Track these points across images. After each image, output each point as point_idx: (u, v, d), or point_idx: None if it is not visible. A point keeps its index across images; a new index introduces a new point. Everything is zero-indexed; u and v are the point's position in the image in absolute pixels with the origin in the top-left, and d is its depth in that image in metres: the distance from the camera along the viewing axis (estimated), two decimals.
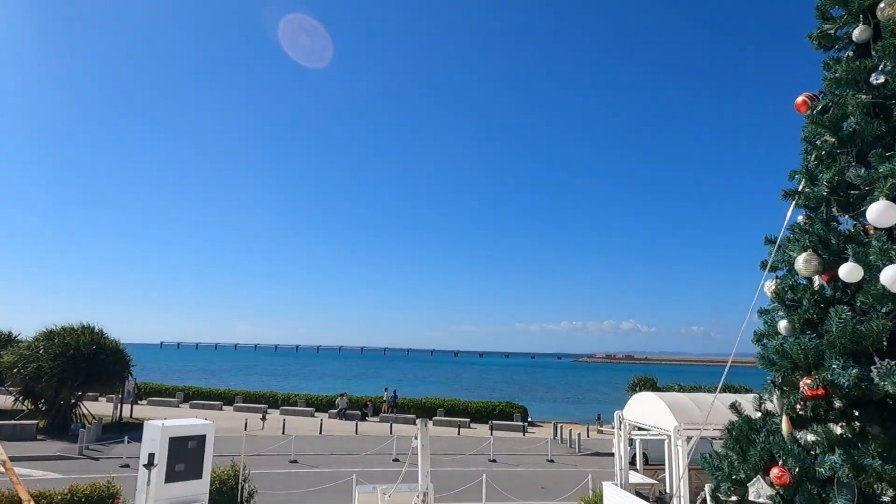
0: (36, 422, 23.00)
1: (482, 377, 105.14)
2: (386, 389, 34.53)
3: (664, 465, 18.43)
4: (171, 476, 11.23)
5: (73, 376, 23.12)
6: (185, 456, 11.43)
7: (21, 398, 25.47)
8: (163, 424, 11.17)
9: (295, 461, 19.85)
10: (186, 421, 12.17)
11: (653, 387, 30.83)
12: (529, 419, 32.45)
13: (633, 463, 16.35)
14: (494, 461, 21.33)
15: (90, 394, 33.75)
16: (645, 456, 21.62)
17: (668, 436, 13.44)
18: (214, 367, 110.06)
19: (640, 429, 14.39)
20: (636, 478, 14.42)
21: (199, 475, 11.63)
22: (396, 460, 20.73)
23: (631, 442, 21.92)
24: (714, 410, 12.19)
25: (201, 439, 11.72)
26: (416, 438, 8.73)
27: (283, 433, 24.95)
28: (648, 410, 12.80)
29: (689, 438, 11.31)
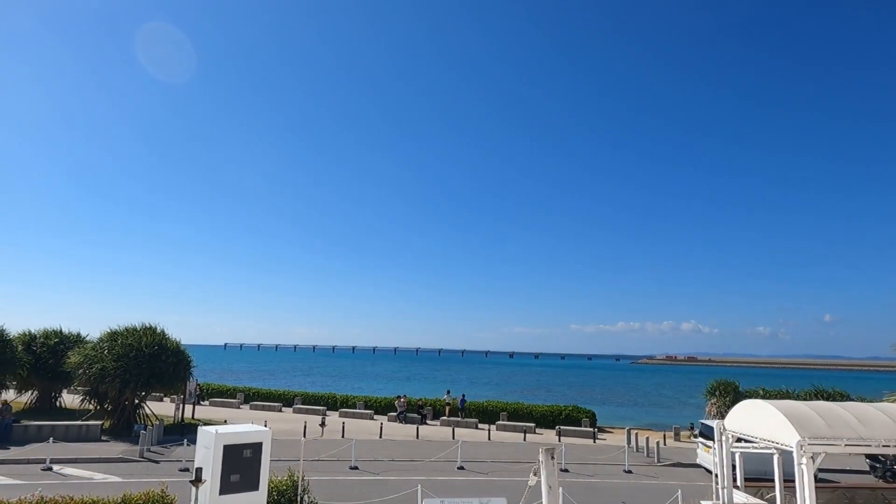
0: (101, 422, 23.07)
1: (539, 379, 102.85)
2: (448, 392, 33.37)
3: (767, 481, 16.42)
4: (225, 487, 10.34)
5: (135, 377, 23.10)
6: (240, 465, 10.54)
7: (88, 398, 25.77)
8: (216, 431, 10.31)
9: (355, 468, 18.94)
10: (242, 427, 11.30)
11: (735, 391, 28.46)
12: (598, 425, 30.57)
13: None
14: (566, 471, 19.77)
15: (155, 394, 34.29)
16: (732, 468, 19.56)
17: (779, 450, 11.67)
18: (275, 367, 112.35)
19: (741, 440, 12.57)
20: (740, 497, 12.63)
21: (255, 486, 10.72)
22: (461, 468, 19.49)
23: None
24: (843, 422, 10.41)
25: (257, 447, 10.81)
26: (535, 475, 6.75)
27: (343, 437, 24.21)
28: (760, 421, 11.04)
29: (814, 455, 9.56)
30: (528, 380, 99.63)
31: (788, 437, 9.82)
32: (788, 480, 17.95)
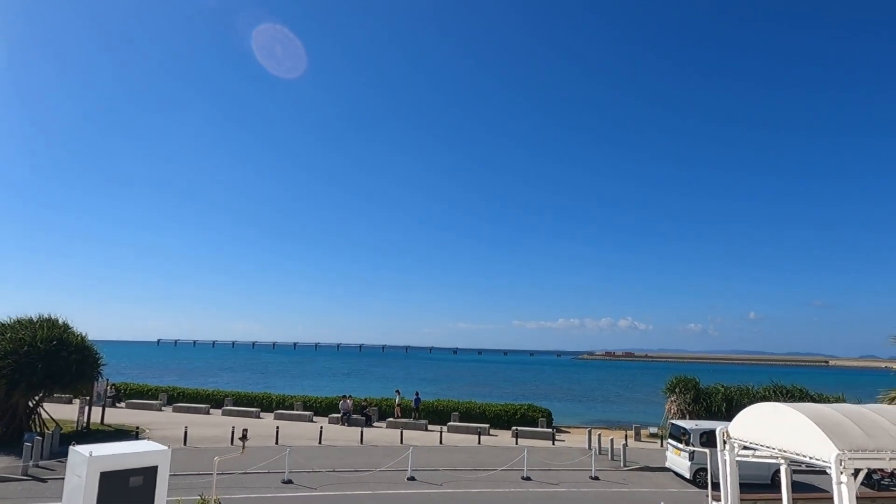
0: None
1: (483, 375, 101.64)
2: (398, 392, 30.88)
3: (767, 493, 14.90)
4: None
5: (26, 376, 19.59)
6: (125, 498, 7.88)
7: None
8: (91, 454, 7.58)
9: (289, 481, 16.32)
10: (129, 446, 8.56)
11: (695, 388, 27.38)
12: (554, 424, 28.93)
13: (712, 486, 12.53)
14: (528, 479, 17.84)
15: (63, 396, 30.26)
16: (702, 473, 18.10)
17: (789, 461, 9.98)
18: (208, 365, 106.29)
19: (747, 448, 10.79)
20: None
21: None
22: (412, 479, 17.20)
23: (695, 456, 18.32)
24: (882, 431, 8.78)
25: (150, 473, 8.13)
26: None
27: (277, 443, 21.47)
28: (779, 429, 9.24)
29: (856, 472, 7.84)
30: (472, 376, 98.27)
31: (822, 450, 8.02)
32: (757, 486, 16.55)
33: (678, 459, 18.65)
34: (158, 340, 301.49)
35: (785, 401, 26.72)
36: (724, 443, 10.58)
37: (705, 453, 17.94)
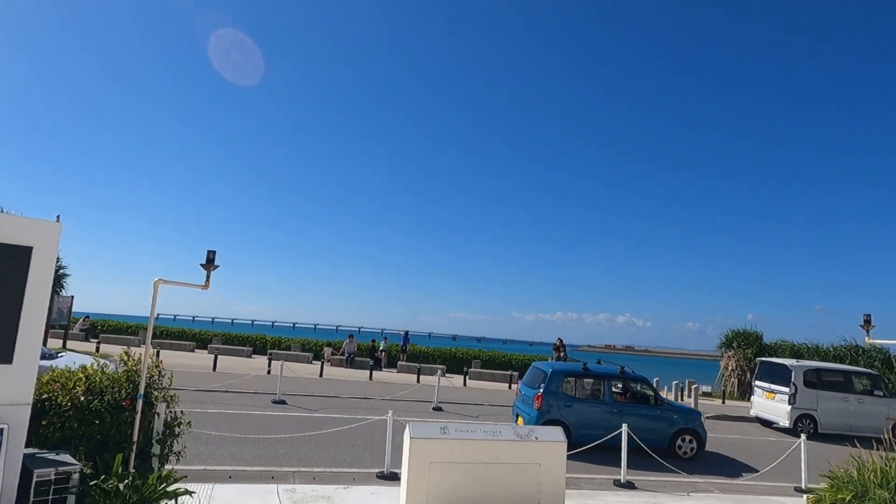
0: None
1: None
2: (386, 339, 27.12)
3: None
4: None
5: None
6: None
7: None
8: None
9: (282, 402, 12.66)
10: None
11: (758, 342, 23.64)
12: None
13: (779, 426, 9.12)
14: None
15: None
16: (815, 421, 14.38)
17: None
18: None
19: None
20: None
21: (4, 355, 4.31)
22: (439, 409, 13.54)
23: (797, 398, 14.56)
24: None
25: (18, 257, 4.31)
26: None
27: (269, 374, 17.79)
28: None
29: None
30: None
31: None
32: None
33: (771, 404, 14.88)
34: (157, 315, 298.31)
35: (864, 361, 23.19)
36: None
37: (813, 395, 14.25)
